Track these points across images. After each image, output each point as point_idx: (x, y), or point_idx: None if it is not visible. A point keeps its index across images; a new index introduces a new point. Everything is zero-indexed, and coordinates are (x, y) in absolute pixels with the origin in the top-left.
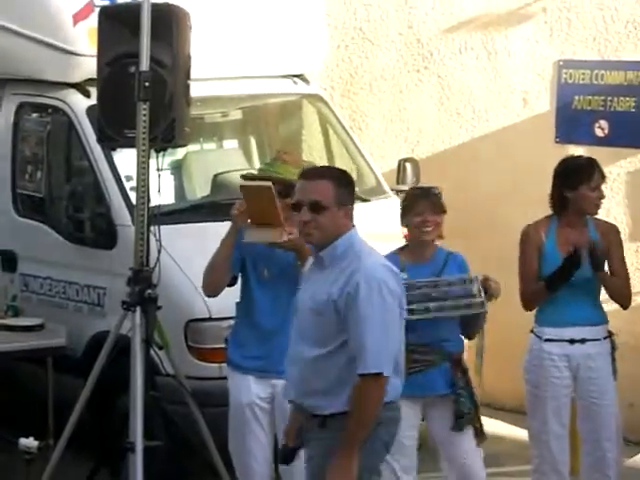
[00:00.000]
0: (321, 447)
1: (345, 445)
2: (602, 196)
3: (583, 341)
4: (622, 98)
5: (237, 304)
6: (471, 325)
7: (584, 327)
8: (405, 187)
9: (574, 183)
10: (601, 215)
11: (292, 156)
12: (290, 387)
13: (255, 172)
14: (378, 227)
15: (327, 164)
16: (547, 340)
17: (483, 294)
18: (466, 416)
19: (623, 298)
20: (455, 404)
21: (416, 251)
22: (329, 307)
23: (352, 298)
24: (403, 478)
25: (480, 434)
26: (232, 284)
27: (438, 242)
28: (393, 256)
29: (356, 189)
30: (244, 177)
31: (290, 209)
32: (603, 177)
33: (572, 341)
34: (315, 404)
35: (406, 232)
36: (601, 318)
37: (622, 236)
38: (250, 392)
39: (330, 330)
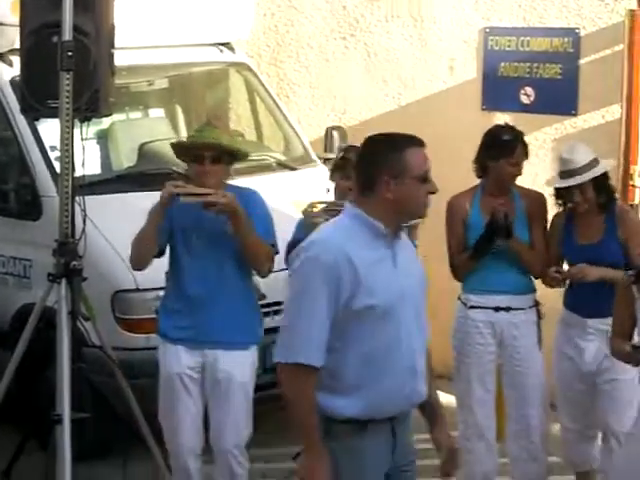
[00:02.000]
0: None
1: None
2: (519, 173)
3: (508, 309)
4: (547, 65)
5: (166, 274)
6: None
7: (509, 295)
8: (333, 155)
9: (495, 155)
10: (527, 182)
11: (221, 121)
12: (422, 384)
13: (184, 140)
14: (305, 195)
15: (255, 133)
16: (472, 307)
17: None
18: None
19: (534, 268)
20: None
21: None
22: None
23: None
24: None
25: None
26: (158, 256)
27: None
28: None
29: (284, 157)
30: (174, 145)
31: (223, 174)
32: (526, 154)
33: (497, 309)
34: None
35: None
36: (527, 287)
37: (548, 203)
38: (180, 362)
39: None
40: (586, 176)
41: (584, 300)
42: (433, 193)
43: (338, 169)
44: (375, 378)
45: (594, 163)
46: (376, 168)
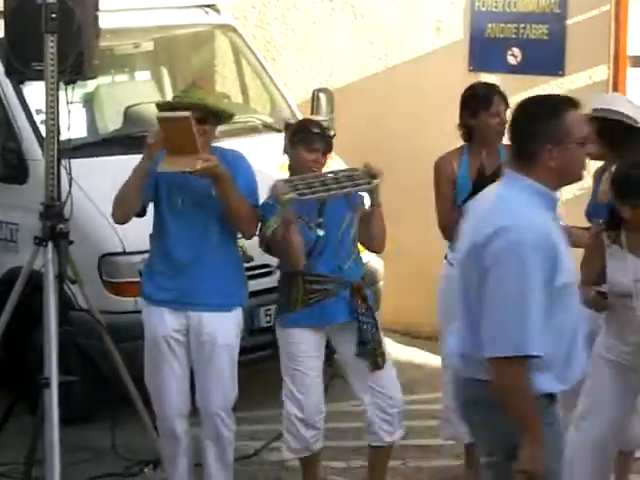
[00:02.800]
0: None
1: None
2: (503, 122)
3: None
4: (534, 26)
5: (150, 235)
6: (370, 231)
7: None
8: (320, 117)
9: (474, 110)
10: None
11: (207, 83)
12: None
13: (170, 100)
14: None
15: (241, 95)
16: None
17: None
18: (370, 343)
19: None
20: (358, 331)
21: None
22: None
23: None
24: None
25: (378, 366)
26: (141, 215)
27: None
28: None
29: (270, 119)
30: (159, 105)
31: (208, 135)
32: (505, 103)
33: None
34: None
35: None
36: None
37: None
38: (165, 324)
39: None
40: (593, 112)
41: None
42: (590, 156)
43: (301, 142)
44: (570, 354)
45: (616, 114)
46: (536, 136)
